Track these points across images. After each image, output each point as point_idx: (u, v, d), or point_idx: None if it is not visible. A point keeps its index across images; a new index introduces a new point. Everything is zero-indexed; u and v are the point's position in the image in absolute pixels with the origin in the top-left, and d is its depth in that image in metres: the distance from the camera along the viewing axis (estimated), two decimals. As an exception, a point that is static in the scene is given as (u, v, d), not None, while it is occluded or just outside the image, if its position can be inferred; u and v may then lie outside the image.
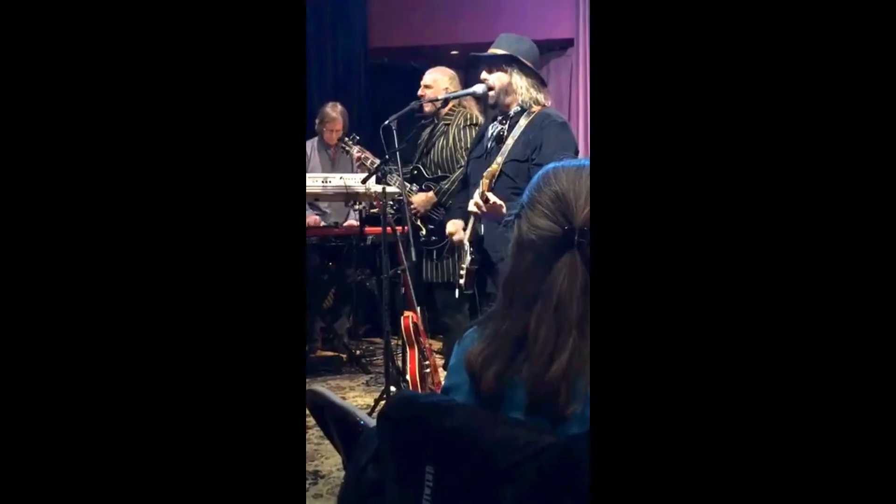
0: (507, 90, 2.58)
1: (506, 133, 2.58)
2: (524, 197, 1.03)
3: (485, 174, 2.41)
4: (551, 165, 1.03)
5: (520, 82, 2.56)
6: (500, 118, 2.65)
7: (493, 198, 2.32)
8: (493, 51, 2.62)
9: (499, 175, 2.46)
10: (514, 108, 2.58)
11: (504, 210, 2.27)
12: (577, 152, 2.64)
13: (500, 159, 2.48)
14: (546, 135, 2.48)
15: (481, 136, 2.79)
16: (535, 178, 1.03)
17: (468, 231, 2.58)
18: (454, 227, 2.70)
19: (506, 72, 2.57)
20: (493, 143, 2.63)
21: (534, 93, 2.56)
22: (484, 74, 2.62)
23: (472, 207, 2.43)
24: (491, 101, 2.64)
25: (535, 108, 2.56)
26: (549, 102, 2.70)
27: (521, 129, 2.53)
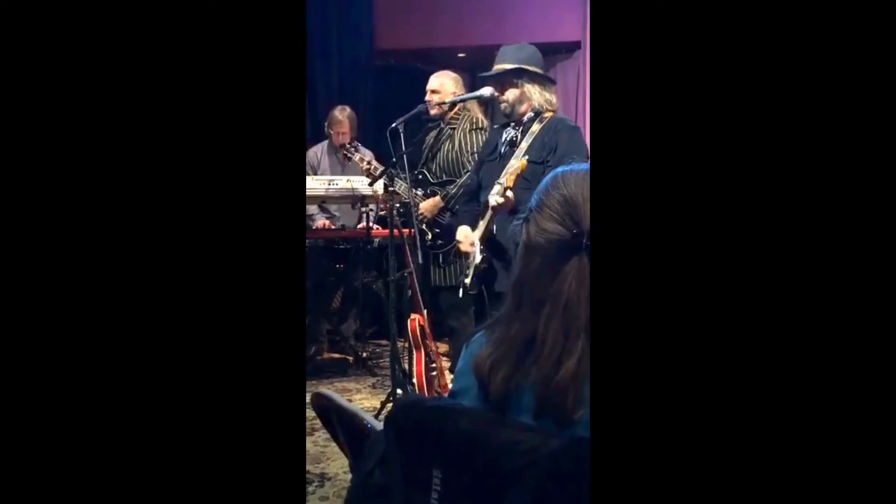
0: (521, 99, 2.63)
1: (518, 138, 2.63)
2: (533, 201, 1.03)
3: (511, 171, 2.41)
4: (559, 169, 1.03)
5: (532, 89, 2.62)
6: (512, 124, 2.68)
7: (511, 194, 2.34)
8: (499, 67, 2.64)
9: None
10: (528, 115, 2.62)
11: (512, 200, 2.35)
12: (587, 156, 2.65)
13: (514, 161, 2.48)
14: (560, 138, 2.55)
15: (494, 141, 2.80)
16: (543, 182, 1.04)
17: (480, 230, 2.59)
18: (463, 235, 2.70)
19: (517, 85, 2.61)
20: (507, 147, 2.66)
21: (546, 94, 2.63)
22: (495, 93, 2.65)
23: (493, 202, 2.42)
24: (506, 112, 2.68)
25: (547, 114, 2.61)
26: (557, 100, 2.74)
27: (535, 133, 2.58)
